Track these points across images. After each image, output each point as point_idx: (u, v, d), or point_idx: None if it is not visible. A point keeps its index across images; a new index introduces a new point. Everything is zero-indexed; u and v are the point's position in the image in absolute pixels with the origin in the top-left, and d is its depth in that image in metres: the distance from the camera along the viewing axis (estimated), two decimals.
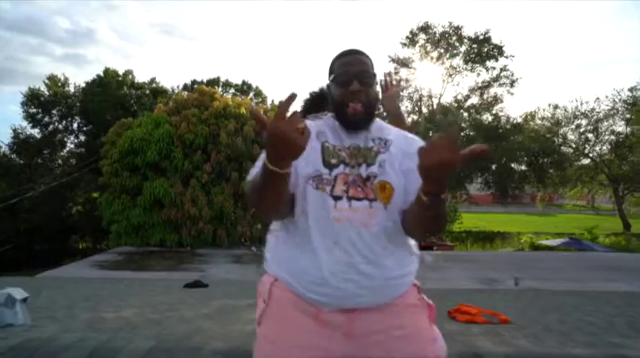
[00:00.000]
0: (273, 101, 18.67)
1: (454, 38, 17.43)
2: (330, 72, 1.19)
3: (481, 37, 17.09)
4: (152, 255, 10.19)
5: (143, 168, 10.98)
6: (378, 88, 1.19)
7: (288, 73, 63.20)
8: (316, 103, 1.96)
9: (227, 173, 10.89)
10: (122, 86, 18.68)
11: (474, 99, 19.22)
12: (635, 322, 3.62)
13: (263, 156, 1.00)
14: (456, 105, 19.03)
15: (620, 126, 20.61)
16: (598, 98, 19.87)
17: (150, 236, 10.83)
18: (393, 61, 18.48)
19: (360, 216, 1.01)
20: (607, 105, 19.95)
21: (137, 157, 10.88)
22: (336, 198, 1.03)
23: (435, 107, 18.83)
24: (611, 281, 7.10)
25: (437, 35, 17.54)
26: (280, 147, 0.84)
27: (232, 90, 18.79)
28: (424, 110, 19.16)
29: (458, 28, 17.13)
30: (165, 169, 10.99)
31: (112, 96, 17.70)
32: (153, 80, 19.07)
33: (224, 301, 4.30)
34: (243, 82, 18.97)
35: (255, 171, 1.06)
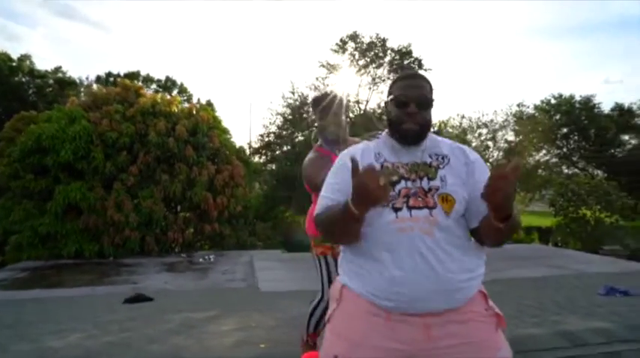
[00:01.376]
0: (199, 99, 17.84)
1: (379, 49, 18.53)
2: (390, 92, 1.29)
3: (404, 50, 18.42)
4: (65, 269, 8.97)
5: (54, 169, 9.63)
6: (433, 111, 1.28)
7: (214, 71, 60.54)
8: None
9: (157, 175, 10.11)
10: (15, 73, 16.14)
11: None
12: (558, 301, 4.14)
13: (332, 187, 1.23)
14: (379, 111, 20.24)
15: (511, 136, 23.98)
16: (495, 111, 22.89)
17: (62, 247, 9.55)
18: (323, 66, 19.04)
19: (422, 224, 1.08)
20: (501, 118, 23.05)
21: (47, 157, 9.51)
22: (397, 210, 1.10)
23: (361, 112, 19.78)
24: (520, 268, 8.18)
25: (364, 45, 18.47)
26: (364, 197, 0.95)
27: (154, 86, 17.48)
28: (351, 115, 19.99)
29: (384, 40, 18.26)
30: (82, 171, 9.79)
31: (1, 84, 15.19)
32: (58, 69, 16.91)
33: (183, 314, 4.02)
34: (167, 78, 17.81)
35: (325, 202, 1.21)
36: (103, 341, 3.06)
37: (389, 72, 19.05)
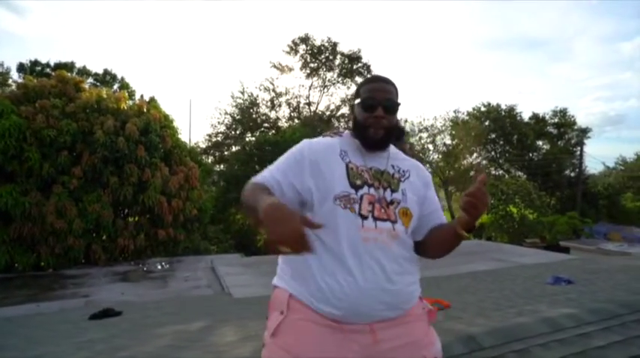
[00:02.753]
0: (142, 96, 16.67)
1: (330, 52, 18.89)
2: (357, 95, 1.29)
3: (354, 55, 18.98)
4: None
5: None
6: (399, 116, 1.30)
7: (151, 66, 56.70)
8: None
9: (104, 178, 9.29)
10: None
11: (344, 110, 21.18)
12: (519, 292, 4.37)
13: (279, 169, 1.18)
14: (328, 113, 20.61)
15: (449, 140, 25.89)
16: (435, 116, 24.55)
17: None
18: (275, 67, 18.93)
19: (385, 237, 1.10)
20: (440, 123, 24.79)
21: None
22: (363, 217, 1.10)
23: (312, 114, 19.98)
24: (473, 262, 8.87)
25: (315, 48, 18.70)
26: (278, 226, 0.85)
27: (91, 80, 15.98)
28: (302, 116, 20.10)
29: (334, 44, 18.65)
30: (13, 173, 8.67)
31: None
32: None
33: (171, 327, 3.79)
34: (106, 72, 16.36)
35: (264, 176, 1.15)
36: None
37: (339, 76, 19.49)
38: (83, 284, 7.83)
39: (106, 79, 16.14)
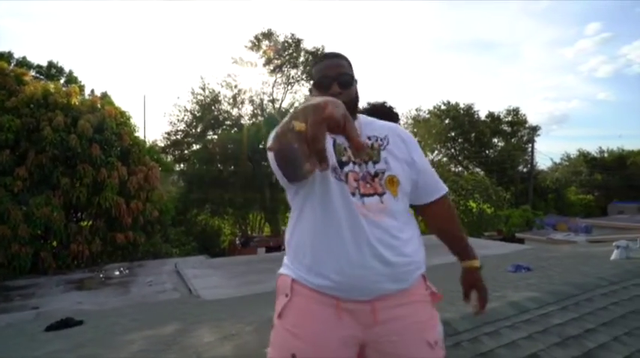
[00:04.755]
0: (93, 90, 15.63)
1: (294, 49, 18.67)
2: (310, 77, 1.28)
3: (318, 52, 18.88)
4: None
5: None
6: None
7: (100, 60, 53.38)
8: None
9: (54, 178, 8.55)
10: None
11: None
12: (486, 280, 4.75)
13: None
14: (292, 110, 20.44)
15: None
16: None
17: None
18: (236, 62, 18.44)
19: (374, 212, 1.08)
20: (403, 121, 25.36)
21: None
22: (351, 195, 1.08)
23: (276, 111, 19.68)
24: (440, 255, 9.11)
25: (278, 44, 18.41)
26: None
27: (33, 73, 14.71)
28: (266, 112, 19.76)
29: (298, 41, 18.44)
30: None
31: None
32: None
33: (142, 332, 3.50)
34: (51, 64, 15.12)
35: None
36: None
37: (303, 72, 19.33)
38: (31, 295, 7.14)
39: (51, 72, 14.89)
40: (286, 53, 18.54)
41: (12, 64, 14.60)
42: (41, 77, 14.76)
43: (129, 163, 9.76)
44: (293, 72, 19.20)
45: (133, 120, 10.62)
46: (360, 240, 1.05)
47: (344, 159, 1.10)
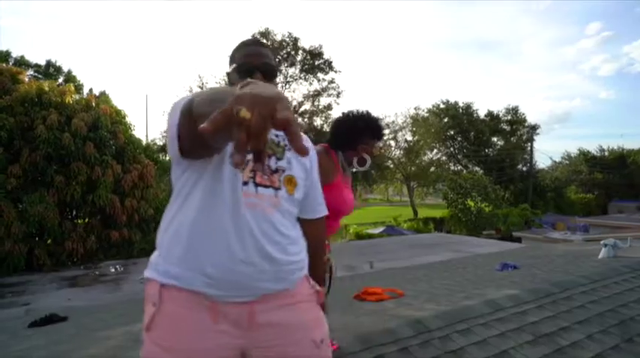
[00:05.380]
0: (91, 89, 15.65)
1: (291, 47, 18.67)
2: (232, 61, 1.18)
3: (315, 51, 18.87)
4: None
5: None
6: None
7: (103, 60, 53.46)
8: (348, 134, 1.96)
9: (48, 176, 8.57)
10: None
11: (307, 106, 21.08)
12: (470, 278, 4.57)
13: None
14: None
15: (410, 136, 26.54)
16: (396, 113, 25.13)
17: None
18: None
19: (266, 204, 1.02)
20: (401, 119, 25.34)
21: None
22: (243, 183, 1.01)
23: None
24: (428, 255, 9.11)
25: (275, 43, 18.40)
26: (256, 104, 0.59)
27: (31, 72, 14.76)
28: None
29: (295, 39, 18.44)
30: None
31: None
32: None
33: (123, 328, 3.48)
34: (49, 63, 15.15)
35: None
36: None
37: (301, 71, 19.34)
38: (23, 292, 7.16)
39: (50, 71, 14.90)
40: (284, 52, 18.53)
41: (10, 63, 14.67)
42: (39, 76, 14.82)
43: (124, 161, 9.78)
44: (291, 70, 19.19)
45: (128, 119, 10.65)
46: (242, 231, 0.97)
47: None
